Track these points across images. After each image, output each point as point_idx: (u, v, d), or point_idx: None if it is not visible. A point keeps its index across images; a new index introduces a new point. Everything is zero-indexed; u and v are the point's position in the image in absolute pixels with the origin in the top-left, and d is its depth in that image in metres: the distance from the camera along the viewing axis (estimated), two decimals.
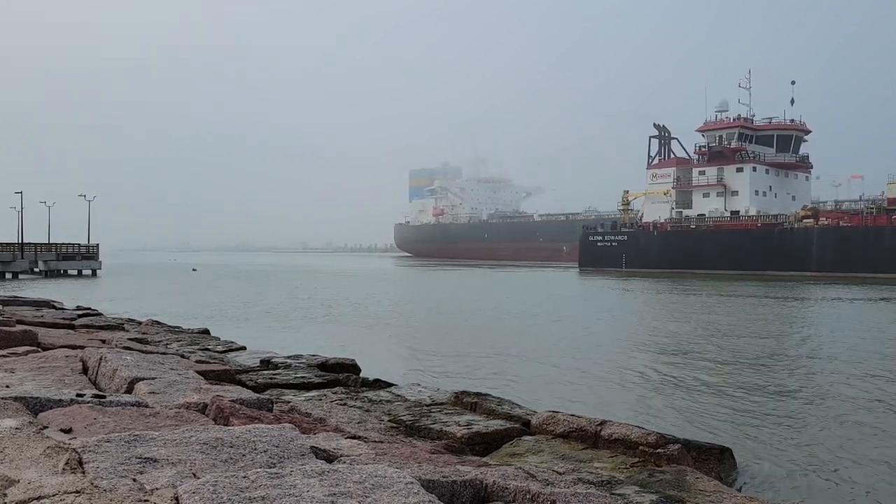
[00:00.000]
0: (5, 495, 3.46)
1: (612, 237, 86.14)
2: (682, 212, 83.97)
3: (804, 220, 71.41)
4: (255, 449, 4.48)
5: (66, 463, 3.91)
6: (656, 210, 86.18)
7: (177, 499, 3.48)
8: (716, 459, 7.87)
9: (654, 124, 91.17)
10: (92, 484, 3.62)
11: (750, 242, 73.05)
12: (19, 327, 11.44)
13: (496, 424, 8.04)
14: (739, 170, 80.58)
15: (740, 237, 74.41)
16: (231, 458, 4.29)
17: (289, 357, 13.49)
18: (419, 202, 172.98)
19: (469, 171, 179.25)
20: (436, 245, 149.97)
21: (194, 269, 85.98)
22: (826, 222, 70.43)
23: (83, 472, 3.83)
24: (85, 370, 8.29)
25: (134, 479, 3.80)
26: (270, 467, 4.13)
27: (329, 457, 4.90)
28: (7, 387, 6.51)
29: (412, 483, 3.82)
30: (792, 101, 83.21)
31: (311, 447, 4.80)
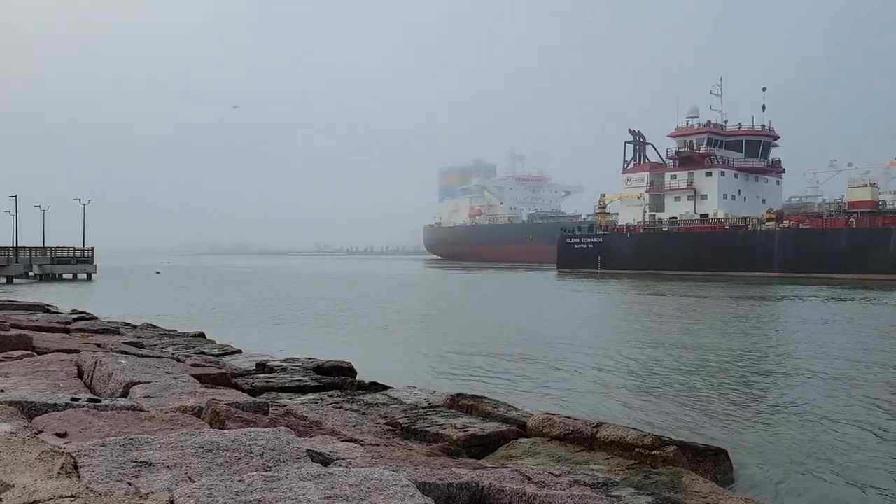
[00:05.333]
0: (0, 500, 3.45)
1: (589, 239, 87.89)
2: (655, 215, 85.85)
3: (767, 223, 73.31)
4: (251, 452, 4.47)
5: (62, 467, 3.90)
6: (631, 213, 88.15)
7: (172, 502, 3.48)
8: (711, 461, 7.88)
9: (630, 130, 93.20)
10: (87, 488, 3.61)
11: (717, 244, 74.93)
12: (14, 331, 11.40)
13: (492, 427, 8.04)
14: (708, 174, 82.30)
15: (708, 239, 76.33)
16: (227, 462, 4.29)
17: (285, 360, 13.48)
18: (452, 202, 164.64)
19: (504, 168, 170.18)
20: (471, 247, 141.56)
21: (158, 272, 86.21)
22: (787, 224, 72.20)
23: (78, 477, 3.82)
24: (80, 374, 8.27)
25: (129, 484, 3.79)
26: (266, 470, 4.13)
27: (325, 460, 4.90)
28: (2, 391, 6.49)
29: (408, 486, 3.82)
30: (763, 108, 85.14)
31: (307, 450, 4.79)
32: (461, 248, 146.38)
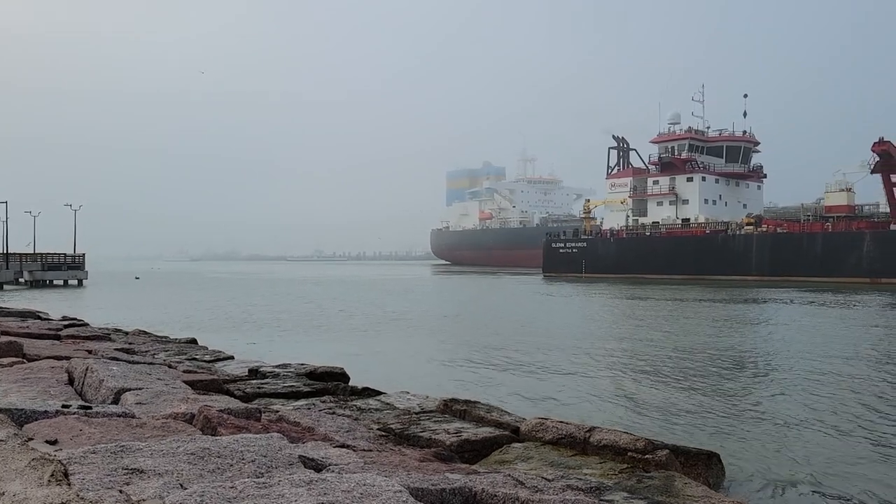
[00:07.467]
0: None
1: (573, 244, 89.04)
2: (638, 219, 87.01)
3: (746, 227, 74.49)
4: (243, 458, 4.46)
5: (52, 475, 3.88)
6: (614, 218, 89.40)
7: None
8: (704, 465, 7.89)
9: (613, 136, 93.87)
10: (78, 496, 3.59)
11: (697, 248, 76.15)
12: (4, 338, 11.33)
13: (485, 432, 8.04)
14: (689, 179, 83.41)
15: (688, 243, 77.52)
16: (218, 468, 4.28)
17: (277, 366, 13.42)
18: (460, 205, 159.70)
19: (513, 170, 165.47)
20: (482, 251, 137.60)
21: (137, 278, 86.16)
22: (765, 229, 73.35)
23: (69, 484, 3.80)
24: (71, 381, 8.22)
25: (120, 491, 3.77)
26: (258, 477, 4.11)
27: (317, 466, 4.88)
28: None
29: (401, 491, 3.82)
30: (745, 114, 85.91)
31: (300, 456, 4.78)
32: (470, 253, 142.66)
